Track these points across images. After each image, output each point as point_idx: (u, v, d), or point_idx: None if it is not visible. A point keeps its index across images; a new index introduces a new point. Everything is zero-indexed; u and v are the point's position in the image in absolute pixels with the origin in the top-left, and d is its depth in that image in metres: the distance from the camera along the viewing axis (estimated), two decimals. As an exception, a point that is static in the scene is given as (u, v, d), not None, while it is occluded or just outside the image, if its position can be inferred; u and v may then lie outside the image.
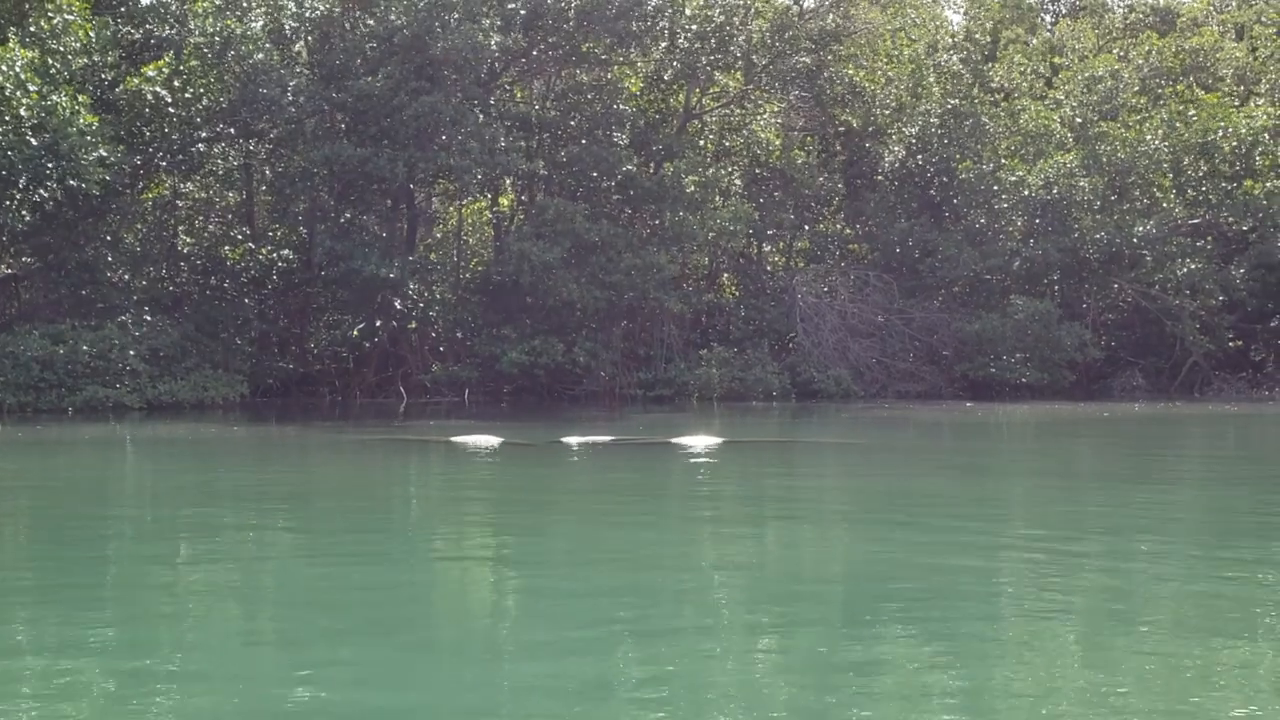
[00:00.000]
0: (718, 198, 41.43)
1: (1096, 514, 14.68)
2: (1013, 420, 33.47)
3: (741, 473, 18.95)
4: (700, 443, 22.16)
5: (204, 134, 37.19)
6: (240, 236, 41.44)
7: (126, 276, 37.82)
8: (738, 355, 41.23)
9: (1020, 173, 44.18)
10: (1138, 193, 45.82)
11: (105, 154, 31.81)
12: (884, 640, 8.31)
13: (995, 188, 44.76)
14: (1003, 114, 47.21)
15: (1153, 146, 44.82)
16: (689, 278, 45.36)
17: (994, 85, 49.36)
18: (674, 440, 22.41)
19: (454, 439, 22.54)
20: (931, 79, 47.13)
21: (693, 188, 38.40)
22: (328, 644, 8.18)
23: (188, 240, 41.28)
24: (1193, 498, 16.75)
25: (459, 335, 40.92)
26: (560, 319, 39.12)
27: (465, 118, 36.06)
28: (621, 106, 39.30)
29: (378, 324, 40.10)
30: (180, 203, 41.51)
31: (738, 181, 45.75)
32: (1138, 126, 45.91)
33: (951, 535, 12.64)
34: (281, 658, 7.96)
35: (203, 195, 42.07)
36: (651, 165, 39.82)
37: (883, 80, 46.17)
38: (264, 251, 40.67)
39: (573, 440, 22.36)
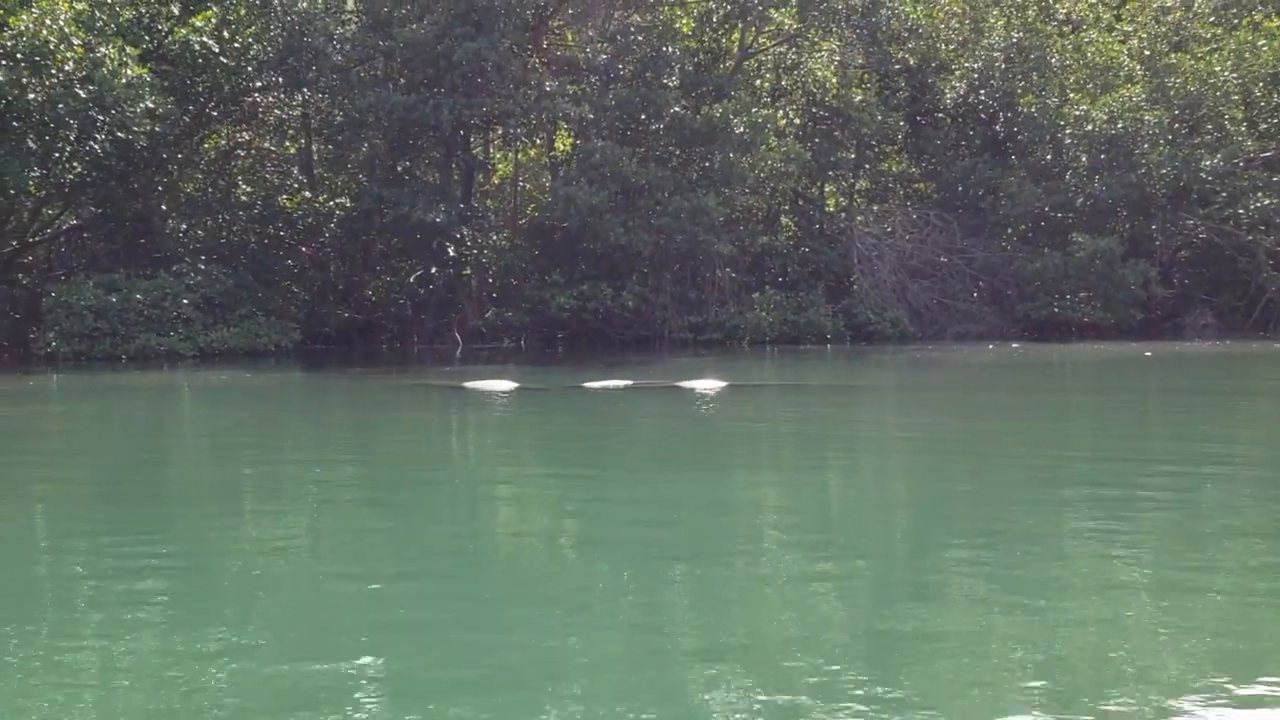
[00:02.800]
0: (773, 139, 40.93)
1: (1151, 453, 14.21)
2: (1052, 359, 32.73)
3: (720, 415, 18.80)
4: (705, 386, 22.08)
5: (256, 84, 37.48)
6: (297, 185, 41.80)
7: (183, 227, 38.36)
8: (790, 298, 40.89)
9: (1084, 107, 43.09)
10: (1209, 126, 44.53)
11: (153, 105, 32.19)
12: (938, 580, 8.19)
13: (1061, 123, 43.71)
14: (1069, 47, 46.02)
15: (1222, 78, 43.46)
16: (745, 220, 44.96)
17: (1060, 17, 48.04)
18: (680, 384, 22.33)
19: (467, 384, 22.65)
20: (995, 12, 46.08)
21: (742, 129, 37.89)
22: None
23: (247, 190, 41.70)
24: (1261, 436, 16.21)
25: (513, 281, 41.04)
26: (610, 263, 39.04)
27: (511, 63, 35.92)
28: (670, 49, 38.82)
29: (433, 271, 40.32)
30: (241, 153, 41.97)
31: (796, 121, 45.25)
32: (1207, 58, 44.52)
33: (923, 478, 12.45)
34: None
35: (260, 145, 42.46)
36: (701, 107, 39.35)
37: (942, 15, 45.18)
38: (320, 200, 41.02)
39: (594, 385, 22.38)
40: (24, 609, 7.71)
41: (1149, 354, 33.61)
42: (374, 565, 8.87)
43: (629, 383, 22.50)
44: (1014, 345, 38.29)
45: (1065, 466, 12.96)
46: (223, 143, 40.67)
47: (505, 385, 22.03)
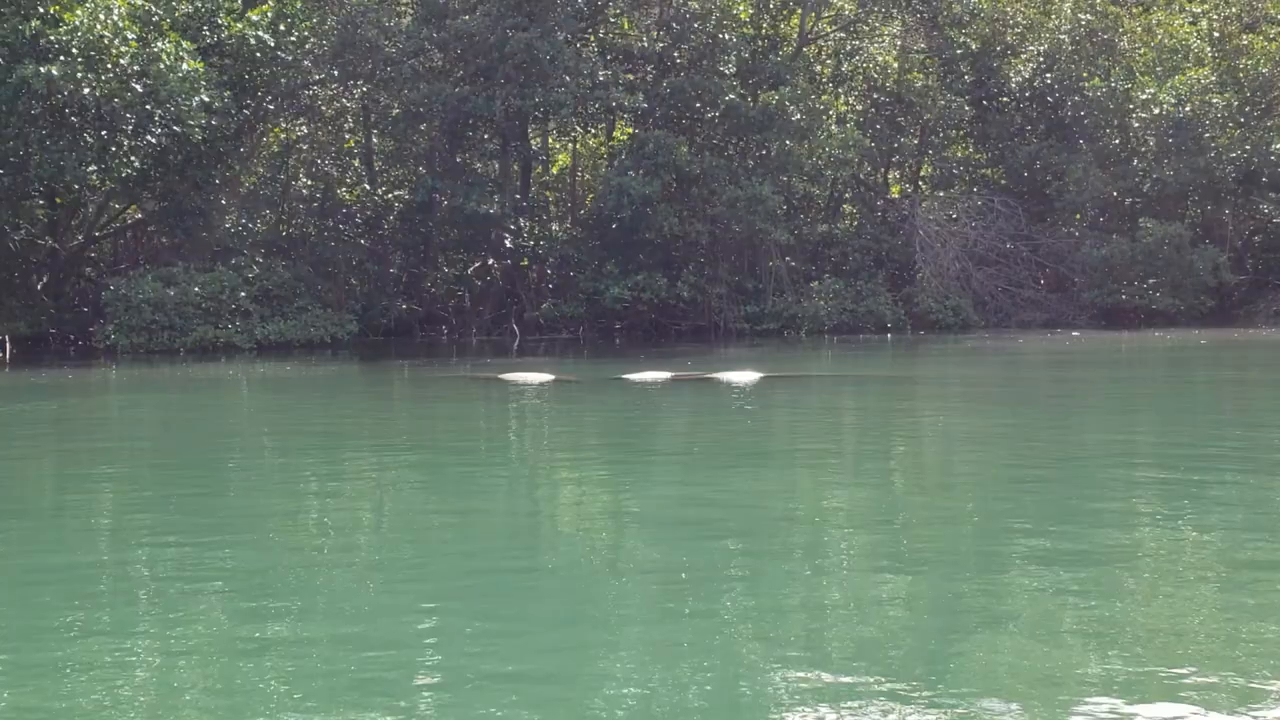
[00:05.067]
0: (833, 125, 40.48)
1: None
2: (1115, 346, 32.08)
3: (743, 409, 18.52)
4: (740, 378, 21.83)
5: (313, 77, 37.67)
6: (356, 178, 41.99)
7: (244, 220, 38.66)
8: (848, 287, 40.41)
9: (1151, 90, 42.17)
10: (1280, 108, 43.45)
11: (208, 99, 32.42)
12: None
13: (1130, 106, 42.82)
14: (1139, 29, 45.04)
15: (1294, 60, 42.38)
16: (806, 208, 44.52)
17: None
18: (715, 376, 22.11)
19: (504, 376, 22.59)
20: (1063, -6, 45.15)
21: (799, 115, 37.45)
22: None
23: (308, 183, 41.94)
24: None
25: (570, 273, 40.95)
26: (667, 253, 38.81)
27: (564, 53, 35.79)
28: (726, 36, 38.46)
29: (490, 262, 40.35)
30: (304, 146, 42.21)
31: (858, 107, 44.71)
32: (1279, 39, 43.39)
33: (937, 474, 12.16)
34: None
35: (321, 139, 42.68)
36: (759, 94, 38.96)
37: (1005, -1, 44.29)
38: (379, 192, 41.20)
39: (633, 377, 22.22)
40: (86, 596, 7.75)
41: (1204, 341, 32.88)
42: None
43: (669, 375, 22.30)
44: (1074, 333, 37.60)
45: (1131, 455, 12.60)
46: (283, 136, 40.94)
47: (541, 378, 21.93)
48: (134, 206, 39.16)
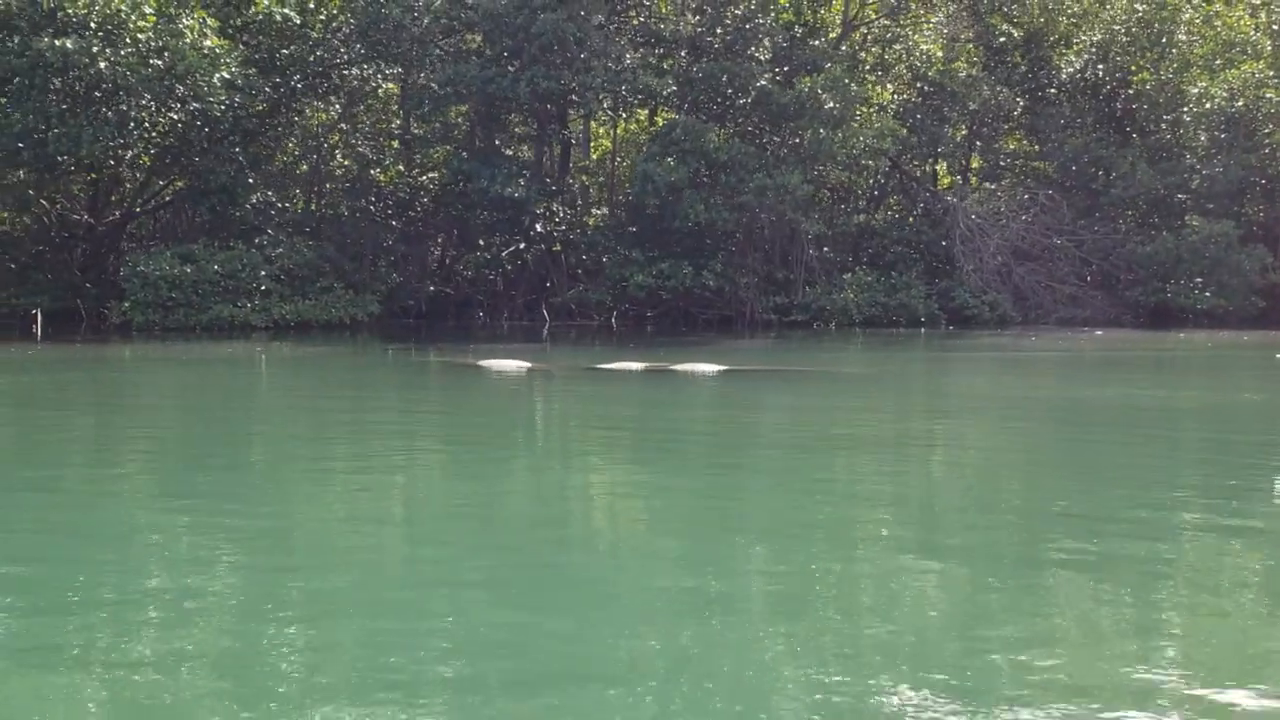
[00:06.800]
0: (873, 115, 39.63)
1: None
2: (1131, 349, 30.92)
3: (685, 401, 17.94)
4: (699, 370, 21.26)
5: (342, 56, 37.50)
6: (391, 160, 41.79)
7: (273, 198, 38.60)
8: (882, 279, 39.54)
9: (1203, 84, 40.82)
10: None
11: (229, 76, 32.32)
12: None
13: (1180, 99, 41.50)
14: (1198, 20, 43.62)
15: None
16: (846, 198, 43.69)
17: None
18: (675, 368, 21.55)
19: (482, 363, 22.25)
20: (1119, -18, 43.87)
21: (831, 103, 36.61)
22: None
23: (344, 163, 41.79)
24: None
25: (603, 259, 40.50)
26: (698, 242, 38.17)
27: (591, 35, 35.30)
28: (760, 20, 37.73)
29: (521, 246, 39.99)
30: (344, 127, 42.06)
31: (902, 96, 43.75)
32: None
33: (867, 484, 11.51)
34: None
35: (358, 119, 42.52)
36: (794, 81, 38.15)
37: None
38: (413, 174, 40.99)
39: (607, 366, 21.79)
40: (108, 575, 7.59)
41: (1210, 345, 31.74)
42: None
43: (642, 365, 21.81)
44: (1098, 332, 36.37)
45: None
46: (322, 115, 40.80)
47: (516, 365, 21.54)
48: (175, 183, 39.20)
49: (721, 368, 21.66)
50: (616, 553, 8.43)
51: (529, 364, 21.82)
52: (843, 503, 10.09)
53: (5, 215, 38.84)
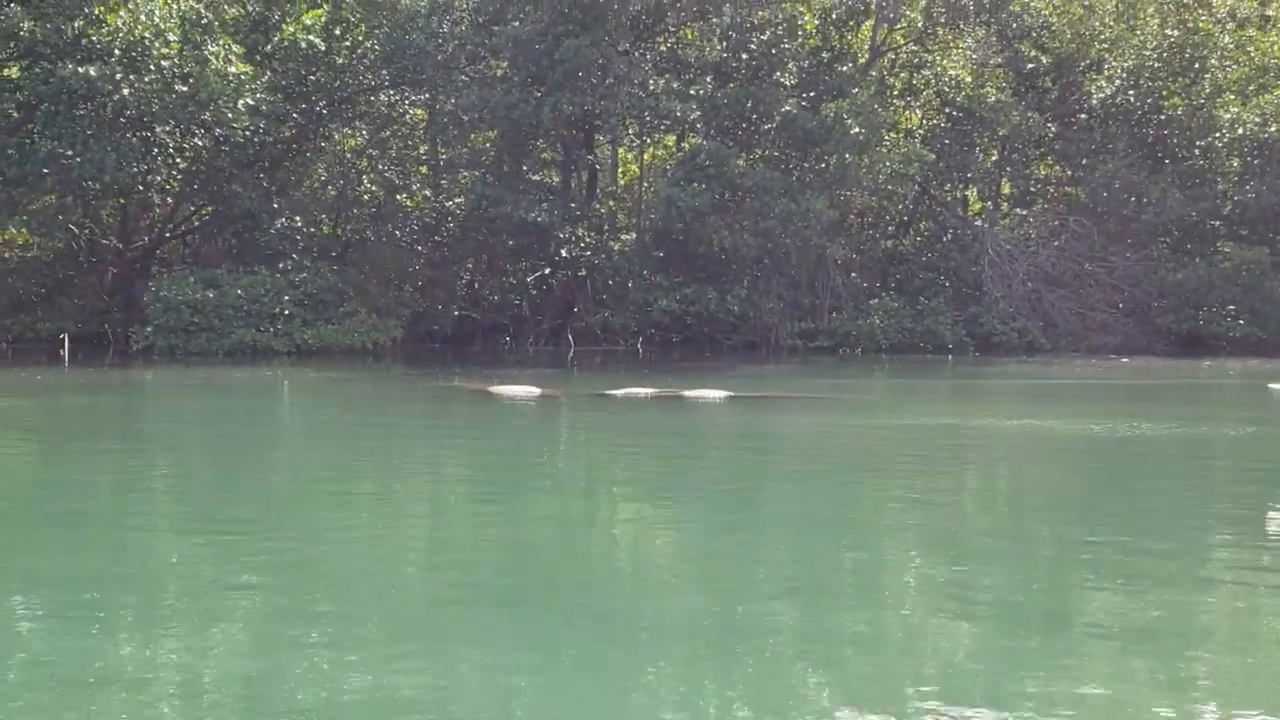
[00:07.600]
0: (900, 140, 39.37)
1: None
2: (1152, 378, 30.47)
3: (692, 428, 17.76)
4: (709, 396, 21.10)
5: (368, 82, 37.62)
6: (418, 185, 41.85)
7: (299, 223, 38.70)
8: (909, 305, 39.20)
9: (1235, 109, 40.34)
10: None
11: (253, 102, 32.44)
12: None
13: (1212, 125, 41.01)
14: (1231, 45, 43.09)
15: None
16: (875, 223, 43.41)
17: (1220, 13, 44.91)
18: (685, 394, 21.40)
19: (492, 389, 22.15)
20: (1151, 9, 43.37)
21: (856, 129, 36.37)
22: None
23: (371, 188, 41.88)
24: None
25: (628, 284, 40.35)
26: (724, 267, 37.96)
27: (615, 61, 35.28)
28: (786, 45, 37.60)
29: (547, 271, 39.92)
30: (374, 152, 42.13)
31: (931, 121, 43.45)
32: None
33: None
34: None
35: (387, 144, 42.61)
36: (820, 106, 37.96)
37: (1080, 13, 42.59)
38: (439, 199, 41.03)
39: (618, 392, 21.65)
40: (127, 598, 7.66)
41: (1232, 373, 31.23)
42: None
43: (651, 392, 21.66)
44: (1123, 359, 35.90)
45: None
46: (350, 140, 40.93)
47: (526, 391, 21.44)
48: (204, 208, 39.37)
49: (729, 394, 21.48)
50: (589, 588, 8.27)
51: (540, 390, 21.71)
52: (811, 535, 9.89)
53: (34, 240, 39.09)
